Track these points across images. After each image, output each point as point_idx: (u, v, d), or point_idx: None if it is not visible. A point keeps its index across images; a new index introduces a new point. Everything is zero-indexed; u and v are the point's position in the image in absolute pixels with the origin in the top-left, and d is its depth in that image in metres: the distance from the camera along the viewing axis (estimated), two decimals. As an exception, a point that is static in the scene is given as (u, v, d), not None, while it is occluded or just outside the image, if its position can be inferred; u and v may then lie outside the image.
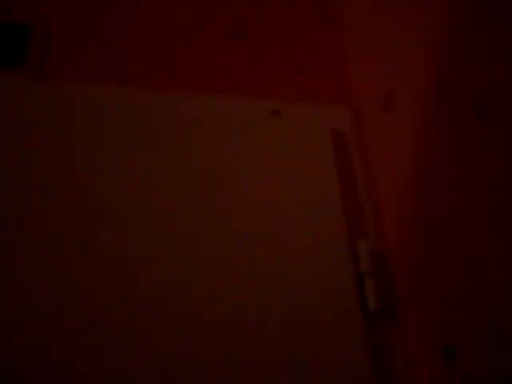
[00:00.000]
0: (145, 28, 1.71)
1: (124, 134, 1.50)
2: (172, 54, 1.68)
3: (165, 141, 1.51)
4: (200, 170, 1.48)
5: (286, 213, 1.45)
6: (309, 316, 1.34)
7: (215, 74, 1.66)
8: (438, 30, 1.36)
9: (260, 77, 1.68)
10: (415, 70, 1.49)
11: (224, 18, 1.75)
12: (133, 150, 1.48)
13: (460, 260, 1.26)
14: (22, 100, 1.52)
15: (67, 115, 1.51)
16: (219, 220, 1.43)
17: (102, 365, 1.23)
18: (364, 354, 1.32)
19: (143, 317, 1.29)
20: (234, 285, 1.36)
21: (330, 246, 1.42)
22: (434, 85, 1.42)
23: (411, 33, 1.48)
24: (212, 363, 1.27)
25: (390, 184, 1.54)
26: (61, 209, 1.38)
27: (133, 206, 1.41)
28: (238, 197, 1.47)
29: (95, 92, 1.57)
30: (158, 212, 1.41)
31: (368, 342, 1.34)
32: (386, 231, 1.51)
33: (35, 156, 1.44)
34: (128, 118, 1.53)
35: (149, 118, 1.53)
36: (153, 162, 1.47)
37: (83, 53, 1.66)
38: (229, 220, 1.43)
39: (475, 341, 1.18)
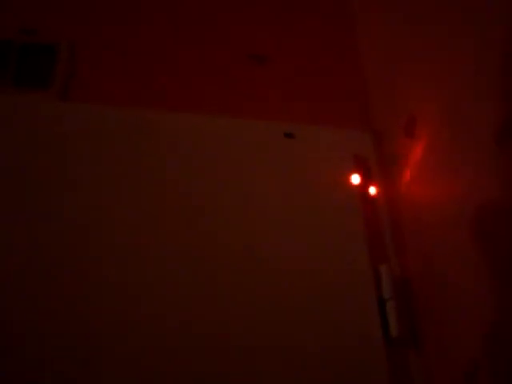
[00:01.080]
0: (168, 48, 1.73)
1: (143, 156, 1.52)
2: (192, 76, 1.70)
3: (179, 162, 1.52)
4: (215, 192, 1.49)
5: (309, 237, 1.47)
6: (332, 342, 1.35)
7: (237, 97, 1.68)
8: (463, 57, 1.37)
9: (282, 101, 1.70)
10: (438, 97, 1.50)
11: (245, 41, 1.77)
12: (154, 172, 1.49)
13: (484, 288, 1.27)
14: (47, 119, 1.54)
15: (90, 136, 1.53)
16: (239, 245, 1.44)
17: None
18: (386, 381, 1.33)
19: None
20: (261, 314, 1.37)
21: (352, 271, 1.43)
22: (455, 113, 1.43)
23: (435, 59, 1.49)
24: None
25: (412, 210, 1.56)
26: (76, 226, 1.40)
27: (145, 230, 1.42)
28: (261, 220, 1.47)
29: (118, 113, 1.58)
30: (172, 235, 1.42)
31: (390, 368, 1.35)
32: (407, 257, 1.52)
33: (55, 174, 1.46)
34: (147, 139, 1.54)
35: (169, 139, 1.55)
36: (172, 181, 1.49)
37: (108, 73, 1.68)
38: (251, 245, 1.44)
39: (494, 366, 1.19)
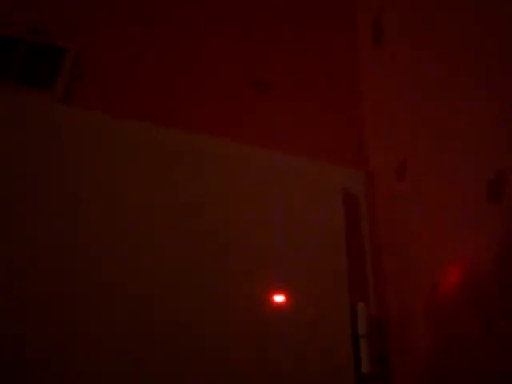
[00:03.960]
0: (173, 66, 1.76)
1: (139, 172, 1.52)
2: (195, 97, 1.73)
3: (168, 182, 1.53)
4: (202, 219, 1.50)
5: (291, 269, 1.48)
6: (304, 375, 1.37)
7: (233, 123, 1.71)
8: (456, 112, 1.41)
9: (276, 130, 1.72)
10: (431, 143, 1.54)
11: (248, 68, 1.80)
12: (145, 188, 1.50)
13: (452, 337, 1.31)
14: (45, 120, 1.55)
15: (86, 142, 1.53)
16: (220, 274, 1.44)
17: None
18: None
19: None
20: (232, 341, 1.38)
21: (330, 306, 1.46)
22: (446, 161, 1.47)
23: (432, 106, 1.53)
24: None
25: (395, 250, 1.59)
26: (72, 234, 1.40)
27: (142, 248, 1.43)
28: (242, 252, 1.48)
29: (117, 123, 1.59)
30: (164, 261, 1.43)
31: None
32: (386, 296, 1.56)
33: (46, 176, 1.46)
34: (145, 155, 1.55)
35: (161, 155, 1.55)
36: (160, 201, 1.50)
37: (112, 80, 1.70)
38: (231, 274, 1.45)
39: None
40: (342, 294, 1.48)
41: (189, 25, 1.83)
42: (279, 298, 1.45)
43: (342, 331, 1.44)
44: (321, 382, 1.38)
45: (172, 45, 1.78)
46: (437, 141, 1.52)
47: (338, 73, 1.84)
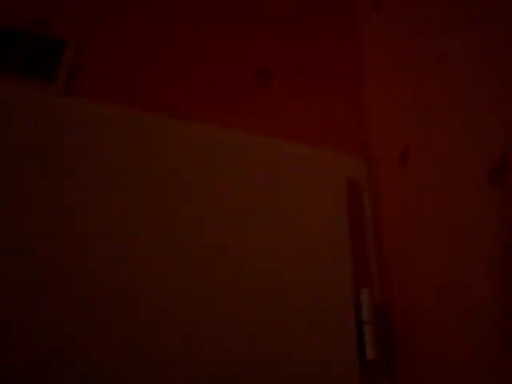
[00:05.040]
0: (177, 55, 1.75)
1: (140, 161, 1.52)
2: (198, 86, 1.72)
3: (172, 171, 1.53)
4: (204, 205, 1.50)
5: (293, 255, 1.49)
6: (307, 365, 1.38)
7: (234, 111, 1.70)
8: (459, 94, 1.41)
9: (278, 118, 1.72)
10: (433, 130, 1.53)
11: (252, 57, 1.79)
12: (147, 179, 1.50)
13: (460, 313, 1.31)
14: (46, 112, 1.55)
15: (88, 132, 1.53)
16: (229, 257, 1.46)
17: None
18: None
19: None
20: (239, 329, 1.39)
21: (334, 293, 1.46)
22: (448, 147, 1.47)
23: (433, 92, 1.52)
24: None
25: (398, 237, 1.59)
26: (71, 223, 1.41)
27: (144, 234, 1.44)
28: (246, 238, 1.48)
29: (119, 112, 1.59)
30: (166, 252, 1.43)
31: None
32: (390, 282, 1.56)
33: (46, 168, 1.46)
34: (147, 145, 1.55)
35: (162, 146, 1.55)
36: (163, 190, 1.50)
37: (113, 71, 1.70)
38: (239, 260, 1.46)
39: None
40: (346, 281, 1.48)
41: (190, 13, 1.83)
42: (283, 279, 1.46)
43: (346, 318, 1.44)
44: (325, 369, 1.38)
45: (173, 33, 1.78)
46: (438, 126, 1.52)
47: (338, 60, 1.83)
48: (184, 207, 1.48)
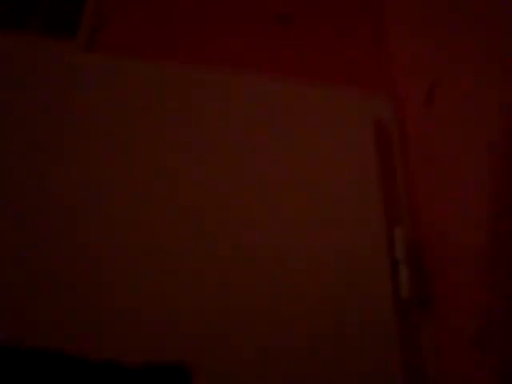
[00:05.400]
0: (197, 6, 1.74)
1: (164, 112, 1.53)
2: (221, 33, 1.71)
3: (202, 117, 1.53)
4: (237, 148, 1.51)
5: (325, 195, 1.49)
6: (343, 302, 1.38)
7: (258, 56, 1.69)
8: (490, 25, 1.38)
9: (302, 62, 1.70)
10: (459, 67, 1.51)
11: (271, 2, 1.78)
12: (172, 124, 1.51)
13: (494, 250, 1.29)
14: (69, 67, 1.56)
15: (110, 87, 1.54)
16: (267, 194, 1.47)
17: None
18: (394, 340, 1.36)
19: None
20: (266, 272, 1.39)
21: (368, 232, 1.46)
22: (473, 84, 1.44)
23: (459, 28, 1.49)
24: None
25: (425, 176, 1.57)
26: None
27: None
28: (275, 180, 1.49)
29: (140, 66, 1.60)
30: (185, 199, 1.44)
31: (399, 328, 1.38)
32: (419, 221, 1.55)
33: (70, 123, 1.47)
34: (172, 94, 1.56)
35: (188, 94, 1.56)
36: (191, 134, 1.51)
37: (134, 25, 1.69)
38: (276, 196, 1.47)
39: (503, 331, 1.21)
40: (379, 220, 1.47)
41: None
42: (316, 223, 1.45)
43: (380, 257, 1.43)
44: (361, 308, 1.38)
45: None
46: (464, 62, 1.49)
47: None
48: (211, 155, 1.48)
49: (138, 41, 1.66)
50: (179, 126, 1.51)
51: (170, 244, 1.38)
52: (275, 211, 1.44)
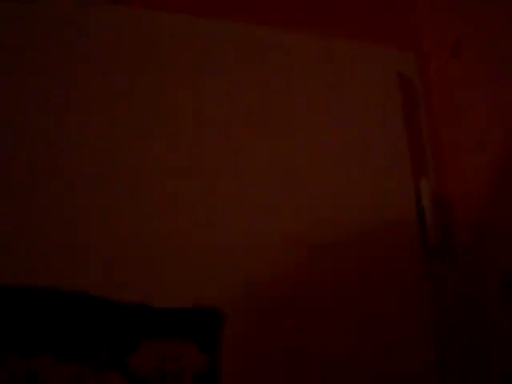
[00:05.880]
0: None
1: (190, 63, 1.52)
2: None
3: (225, 74, 1.53)
4: (256, 104, 1.52)
5: (351, 148, 1.51)
6: (370, 251, 1.42)
7: (281, 11, 1.69)
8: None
9: (326, 16, 1.71)
10: (485, 21, 1.52)
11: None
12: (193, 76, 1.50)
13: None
14: (95, 20, 1.55)
15: (140, 40, 1.53)
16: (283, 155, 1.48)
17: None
18: (423, 287, 1.40)
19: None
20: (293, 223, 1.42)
21: (394, 184, 1.49)
22: (499, 39, 1.46)
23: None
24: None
25: (450, 132, 1.60)
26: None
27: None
28: (300, 134, 1.50)
29: (168, 19, 1.59)
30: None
31: (426, 276, 1.42)
32: (445, 175, 1.58)
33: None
34: (195, 47, 1.55)
35: (207, 46, 1.55)
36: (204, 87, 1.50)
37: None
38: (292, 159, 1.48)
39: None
40: (405, 171, 1.50)
41: None
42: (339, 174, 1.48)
43: (407, 206, 1.47)
44: (389, 253, 1.41)
45: None
46: (490, 18, 1.51)
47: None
48: (247, 110, 1.49)
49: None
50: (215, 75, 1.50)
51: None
52: (304, 158, 1.47)
